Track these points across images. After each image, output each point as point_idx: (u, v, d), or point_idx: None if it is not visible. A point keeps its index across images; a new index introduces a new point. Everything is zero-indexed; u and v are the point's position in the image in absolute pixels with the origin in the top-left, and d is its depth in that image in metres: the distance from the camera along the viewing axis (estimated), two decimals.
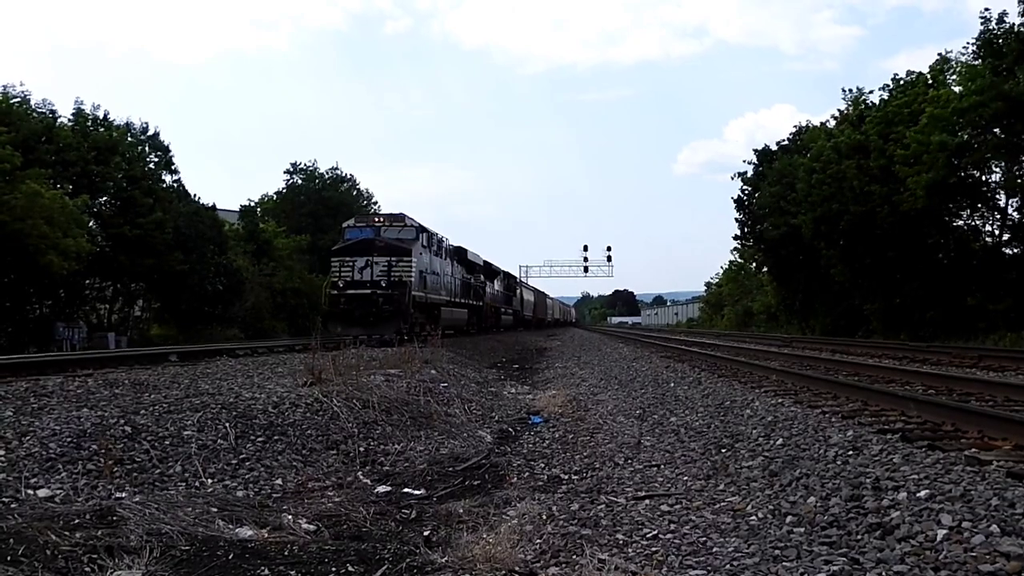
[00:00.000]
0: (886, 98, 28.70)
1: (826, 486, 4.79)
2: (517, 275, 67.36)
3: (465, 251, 32.29)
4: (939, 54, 27.01)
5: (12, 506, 4.53)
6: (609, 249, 77.41)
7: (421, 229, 23.79)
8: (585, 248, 77.25)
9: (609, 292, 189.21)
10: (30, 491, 4.88)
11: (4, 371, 8.94)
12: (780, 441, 6.36)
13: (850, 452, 5.51)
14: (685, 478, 5.74)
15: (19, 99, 27.31)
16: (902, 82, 28.41)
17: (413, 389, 10.09)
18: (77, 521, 4.16)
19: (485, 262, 37.22)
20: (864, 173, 26.95)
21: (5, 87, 27.30)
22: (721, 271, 69.24)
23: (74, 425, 5.97)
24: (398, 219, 23.65)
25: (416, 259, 22.14)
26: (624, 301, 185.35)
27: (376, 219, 24.35)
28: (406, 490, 6.06)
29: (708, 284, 78.81)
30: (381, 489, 6.06)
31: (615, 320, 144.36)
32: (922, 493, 4.27)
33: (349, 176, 51.23)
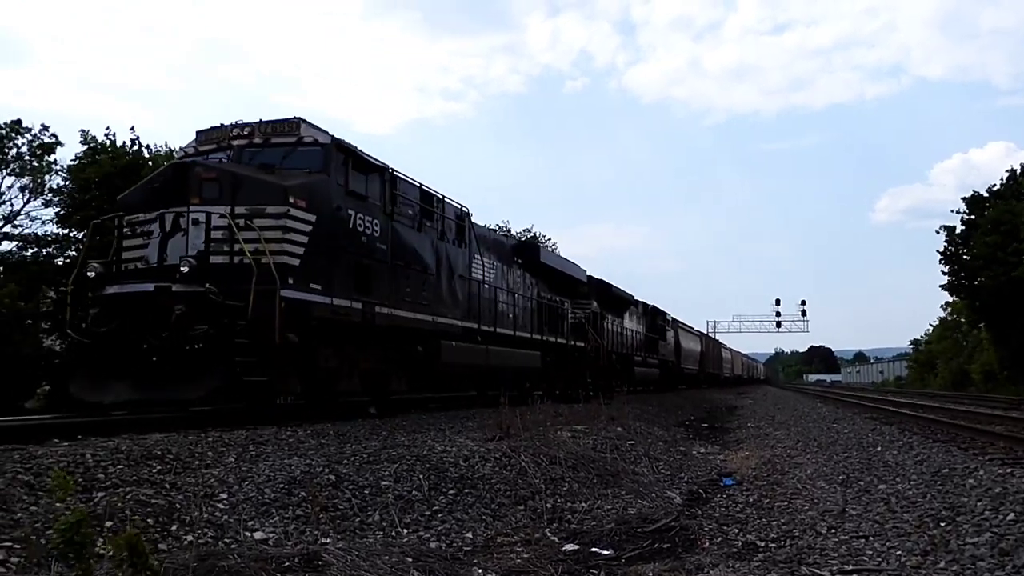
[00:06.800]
0: None
1: None
2: (705, 330, 63.73)
3: (538, 249, 19.93)
4: None
5: (232, 547, 4.91)
6: (803, 303, 73.62)
7: (346, 153, 10.77)
8: (777, 302, 72.83)
9: (804, 348, 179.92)
10: (247, 533, 5.26)
11: (229, 420, 9.79)
12: (1012, 516, 5.66)
13: None
14: (898, 552, 5.24)
15: None
16: None
17: (599, 446, 10.01)
18: (287, 564, 4.43)
19: (594, 279, 24.03)
20: None
21: None
22: (931, 327, 63.89)
23: (286, 472, 6.39)
24: (285, 129, 10.52)
25: (315, 214, 9.79)
26: (821, 358, 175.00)
27: (237, 131, 10.67)
28: (594, 549, 5.97)
29: (915, 341, 73.00)
30: (568, 547, 6.01)
31: (812, 378, 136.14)
32: None
33: (545, 236, 50.74)
